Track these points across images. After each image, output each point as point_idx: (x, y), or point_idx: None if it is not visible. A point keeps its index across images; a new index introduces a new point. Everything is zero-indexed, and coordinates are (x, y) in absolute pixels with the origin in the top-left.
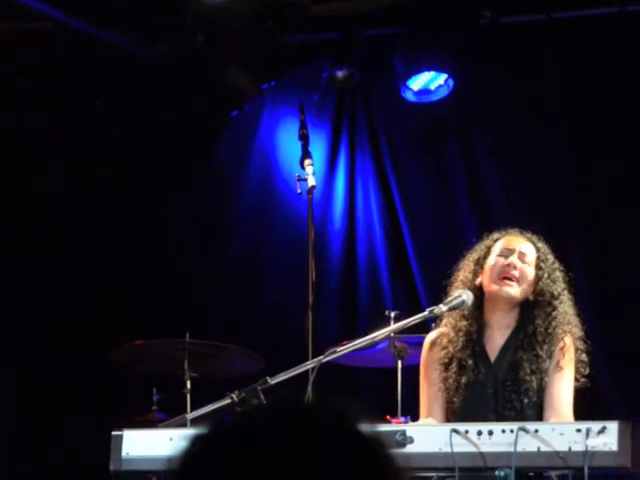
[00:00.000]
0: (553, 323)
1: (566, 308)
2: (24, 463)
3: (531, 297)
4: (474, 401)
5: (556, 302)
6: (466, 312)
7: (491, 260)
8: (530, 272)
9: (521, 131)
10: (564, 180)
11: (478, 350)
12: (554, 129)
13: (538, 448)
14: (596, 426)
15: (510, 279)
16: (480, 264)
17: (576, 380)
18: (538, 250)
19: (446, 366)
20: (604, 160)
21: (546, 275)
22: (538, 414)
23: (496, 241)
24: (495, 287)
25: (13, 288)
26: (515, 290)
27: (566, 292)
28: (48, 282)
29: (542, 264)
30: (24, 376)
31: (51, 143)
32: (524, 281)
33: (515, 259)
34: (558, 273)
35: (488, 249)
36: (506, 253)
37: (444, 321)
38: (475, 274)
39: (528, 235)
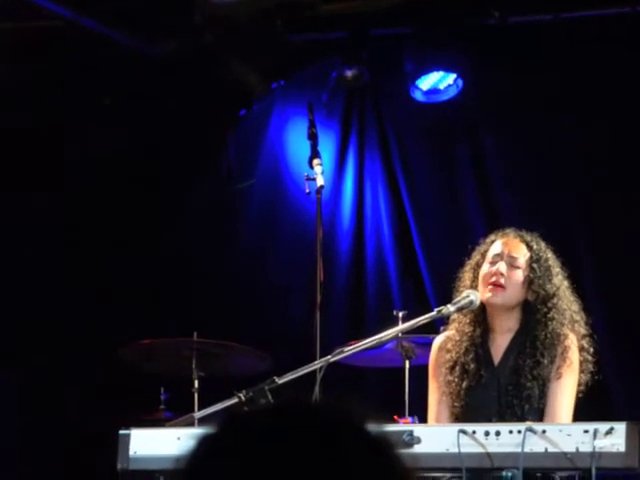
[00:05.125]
0: (552, 323)
1: (565, 305)
2: (28, 462)
3: (530, 298)
4: (477, 404)
5: (553, 301)
6: (471, 316)
7: (484, 268)
8: (519, 276)
9: (530, 131)
10: (573, 180)
11: (482, 353)
12: (563, 129)
13: (545, 449)
14: (604, 427)
15: (498, 286)
16: (476, 271)
17: (581, 380)
18: (531, 250)
19: (450, 370)
20: (613, 158)
21: (539, 275)
22: (539, 420)
23: (491, 244)
24: (485, 296)
25: (19, 285)
26: (503, 297)
27: (565, 289)
28: (56, 280)
29: (534, 264)
30: (29, 375)
31: (58, 141)
32: (512, 286)
33: (502, 265)
34: (555, 271)
35: (483, 254)
36: (495, 259)
37: (451, 325)
38: (473, 281)
39: (522, 234)
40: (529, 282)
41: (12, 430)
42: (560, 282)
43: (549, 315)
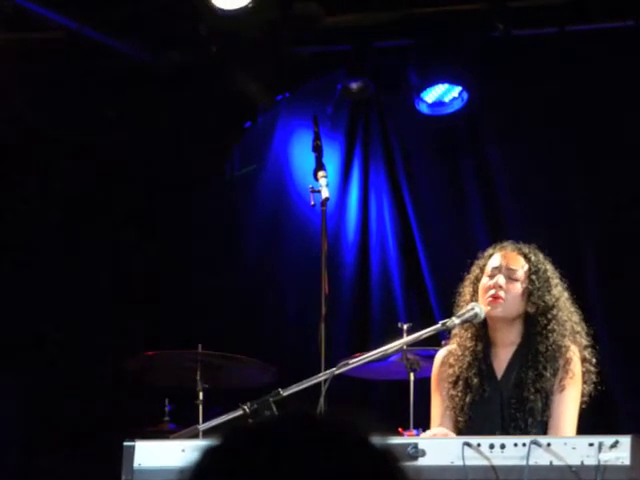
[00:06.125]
0: (553, 335)
1: (565, 317)
2: (32, 473)
3: (530, 310)
4: (480, 418)
5: (553, 312)
6: (472, 330)
7: (483, 281)
8: (518, 288)
9: (535, 143)
10: (578, 192)
11: (485, 368)
12: (568, 141)
13: (550, 462)
14: (609, 440)
15: (497, 299)
16: (476, 285)
17: (584, 391)
18: (529, 261)
19: (453, 384)
20: (618, 172)
21: (538, 287)
22: (543, 433)
23: (490, 257)
24: (485, 309)
25: (26, 295)
26: (502, 309)
27: (565, 300)
28: (62, 290)
29: (533, 276)
30: (34, 386)
31: (62, 151)
32: (511, 299)
33: (500, 278)
34: (554, 282)
35: (482, 268)
36: (493, 272)
37: (453, 339)
38: (473, 295)
39: (520, 246)
40: (528, 294)
41: (14, 440)
42: (560, 293)
43: (549, 327)
